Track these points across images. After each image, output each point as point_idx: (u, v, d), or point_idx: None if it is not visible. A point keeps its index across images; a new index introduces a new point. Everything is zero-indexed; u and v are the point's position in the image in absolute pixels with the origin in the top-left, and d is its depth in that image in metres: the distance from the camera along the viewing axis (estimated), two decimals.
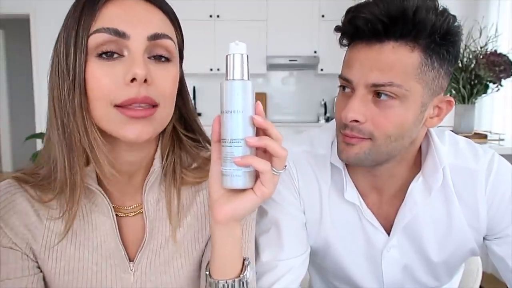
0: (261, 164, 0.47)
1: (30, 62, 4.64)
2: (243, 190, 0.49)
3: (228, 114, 0.47)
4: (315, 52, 4.53)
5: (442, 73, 0.65)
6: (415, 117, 0.65)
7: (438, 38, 0.61)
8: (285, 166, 0.50)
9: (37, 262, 0.60)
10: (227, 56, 0.47)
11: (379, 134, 0.64)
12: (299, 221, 0.77)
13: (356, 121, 0.64)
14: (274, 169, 0.48)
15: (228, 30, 4.39)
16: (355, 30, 0.64)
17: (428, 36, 0.61)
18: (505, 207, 0.71)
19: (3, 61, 5.77)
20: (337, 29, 0.68)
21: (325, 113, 4.78)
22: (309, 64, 4.59)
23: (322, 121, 4.70)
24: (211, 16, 4.42)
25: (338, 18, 0.70)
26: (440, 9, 0.62)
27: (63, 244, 0.60)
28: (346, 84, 0.67)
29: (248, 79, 0.48)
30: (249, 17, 4.47)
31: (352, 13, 0.64)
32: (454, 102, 0.70)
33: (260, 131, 0.49)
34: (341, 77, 0.67)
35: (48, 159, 0.58)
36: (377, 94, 0.63)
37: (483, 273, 1.02)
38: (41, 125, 4.55)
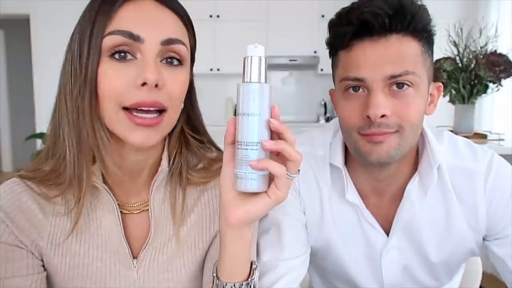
0: (277, 168, 0.47)
1: (30, 62, 4.64)
2: (256, 194, 0.49)
3: (244, 116, 0.47)
4: (315, 52, 4.52)
5: (432, 60, 0.69)
6: (425, 103, 0.68)
7: (428, 28, 0.66)
8: (299, 170, 0.49)
9: (42, 260, 0.60)
10: (245, 58, 0.47)
11: (406, 124, 0.64)
12: (299, 221, 0.77)
13: (383, 116, 0.63)
14: (288, 173, 0.48)
15: (228, 30, 4.39)
16: (361, 26, 0.63)
17: (422, 27, 0.64)
18: (504, 207, 0.71)
19: (3, 61, 5.77)
20: (335, 31, 0.67)
21: (325, 113, 4.78)
22: (309, 64, 4.59)
23: (322, 121, 4.70)
24: (211, 16, 4.42)
25: None
26: (419, 2, 0.66)
27: (69, 240, 0.60)
28: (356, 84, 0.65)
29: (266, 82, 0.47)
30: (249, 17, 4.47)
31: (357, 10, 0.63)
32: (442, 87, 0.73)
33: (274, 135, 0.48)
34: (348, 78, 0.65)
35: (54, 153, 0.58)
36: (394, 85, 0.64)
37: (483, 273, 1.02)
38: (41, 125, 4.55)
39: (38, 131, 4.46)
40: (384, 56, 0.63)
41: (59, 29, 4.51)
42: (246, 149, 0.47)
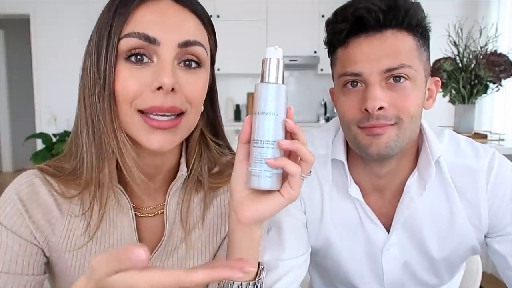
0: (293, 167, 0.47)
1: (30, 62, 4.64)
2: (269, 192, 0.49)
3: (262, 115, 0.47)
4: (315, 52, 4.52)
5: (429, 55, 0.70)
6: (423, 96, 0.69)
7: (423, 23, 0.67)
8: (310, 171, 0.50)
9: (48, 258, 0.60)
10: (264, 60, 0.48)
11: (404, 116, 0.65)
12: (300, 221, 0.78)
13: (381, 108, 0.64)
14: (301, 173, 0.48)
15: (228, 30, 4.38)
16: (357, 22, 0.65)
17: (417, 22, 0.66)
18: (506, 205, 0.71)
19: (3, 61, 5.77)
20: (332, 28, 0.69)
21: (325, 113, 4.78)
22: (309, 64, 4.58)
23: (322, 121, 4.70)
24: (211, 16, 4.41)
25: None
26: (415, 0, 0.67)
27: (81, 239, 0.60)
28: (354, 79, 0.67)
29: (283, 83, 0.48)
30: (249, 17, 4.47)
31: (352, 7, 0.65)
32: (440, 81, 0.74)
33: (288, 135, 0.49)
34: (346, 74, 0.67)
35: (75, 155, 0.58)
36: (390, 79, 0.65)
37: (483, 273, 1.03)
38: (41, 125, 4.56)
39: (38, 131, 4.47)
40: (380, 50, 0.64)
41: (59, 29, 4.54)
42: (262, 147, 0.47)
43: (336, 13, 0.68)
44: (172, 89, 0.51)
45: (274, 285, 0.71)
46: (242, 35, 4.33)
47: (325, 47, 0.73)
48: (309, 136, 0.82)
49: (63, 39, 4.43)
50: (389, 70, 0.64)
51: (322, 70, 4.55)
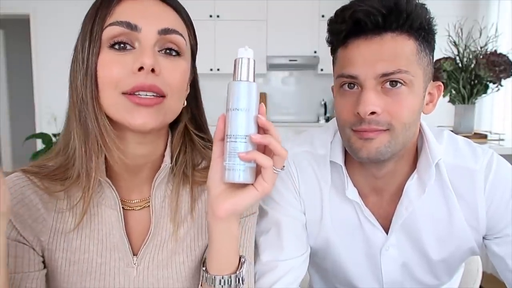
0: (265, 160, 0.49)
1: (30, 62, 4.64)
2: (243, 186, 0.51)
3: (234, 111, 0.50)
4: (315, 52, 4.53)
5: (431, 59, 0.69)
6: (420, 102, 0.67)
7: (426, 26, 0.65)
8: (283, 166, 0.52)
9: (42, 256, 0.61)
10: (235, 60, 0.51)
11: (397, 123, 0.65)
12: (299, 222, 0.78)
13: (373, 113, 0.64)
14: (274, 167, 0.50)
15: (228, 30, 4.39)
16: (355, 25, 0.64)
17: (419, 25, 0.64)
18: (504, 206, 0.71)
19: (3, 61, 5.77)
20: (332, 28, 0.69)
21: (325, 113, 4.78)
22: (309, 64, 4.59)
23: (322, 121, 4.70)
24: (211, 16, 4.42)
25: None
26: (419, 2, 0.66)
27: (70, 235, 0.61)
28: (350, 81, 0.66)
29: (254, 81, 0.51)
30: (249, 17, 4.47)
31: (351, 9, 0.65)
32: (442, 86, 0.73)
33: (261, 131, 0.51)
34: (343, 76, 0.67)
35: (64, 149, 0.60)
36: (386, 83, 0.64)
37: (483, 273, 1.02)
38: (41, 125, 4.56)
39: (38, 131, 4.47)
40: (377, 54, 0.64)
41: (59, 29, 4.54)
42: (235, 141, 0.49)
43: (337, 14, 0.68)
44: (153, 70, 0.54)
45: (273, 285, 0.71)
46: (242, 35, 4.33)
47: (328, 45, 0.73)
48: (308, 136, 0.82)
49: (63, 39, 4.42)
50: (385, 74, 0.63)
51: (322, 70, 4.56)
